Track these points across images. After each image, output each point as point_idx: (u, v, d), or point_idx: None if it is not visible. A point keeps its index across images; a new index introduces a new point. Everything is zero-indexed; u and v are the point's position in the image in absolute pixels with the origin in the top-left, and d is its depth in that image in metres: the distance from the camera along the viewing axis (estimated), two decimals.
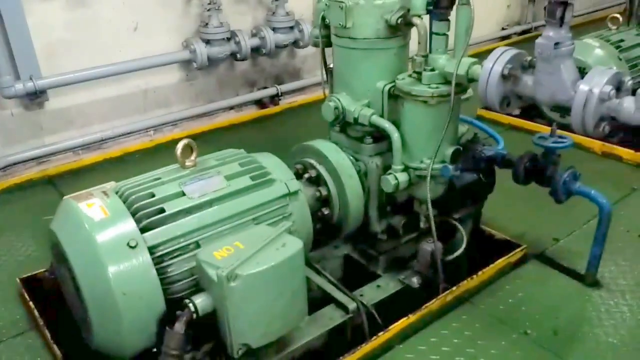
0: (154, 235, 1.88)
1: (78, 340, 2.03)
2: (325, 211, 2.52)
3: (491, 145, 2.62)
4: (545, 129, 3.68)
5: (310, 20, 4.70)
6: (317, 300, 2.37)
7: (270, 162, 2.32)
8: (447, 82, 2.20)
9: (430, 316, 2.36)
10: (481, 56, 2.19)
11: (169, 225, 1.92)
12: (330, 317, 2.38)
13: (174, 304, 1.89)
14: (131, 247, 1.81)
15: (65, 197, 1.99)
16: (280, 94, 5.07)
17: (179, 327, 1.79)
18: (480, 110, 4.40)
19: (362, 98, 2.47)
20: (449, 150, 2.32)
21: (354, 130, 2.58)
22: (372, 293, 2.55)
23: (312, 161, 2.57)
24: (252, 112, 4.94)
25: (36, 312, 2.36)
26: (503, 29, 6.96)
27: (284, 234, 1.95)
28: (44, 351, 2.23)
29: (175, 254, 1.91)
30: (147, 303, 1.82)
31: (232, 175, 2.14)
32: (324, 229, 2.60)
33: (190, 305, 1.82)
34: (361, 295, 2.53)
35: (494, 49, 2.18)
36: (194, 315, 1.82)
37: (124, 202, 1.95)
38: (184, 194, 2.01)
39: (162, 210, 1.94)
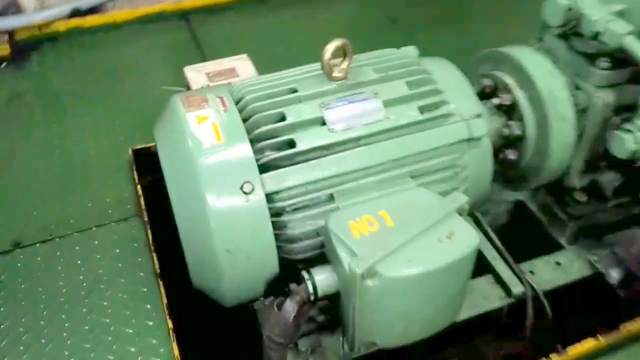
0: (277, 178, 1.43)
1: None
2: (511, 155, 1.88)
3: None
4: None
5: None
6: None
7: (447, 78, 1.68)
8: None
9: (630, 339, 1.78)
10: None
11: (298, 167, 1.45)
12: (485, 295, 1.90)
13: (289, 265, 1.51)
14: (245, 192, 1.38)
15: (174, 96, 1.57)
16: None
17: (290, 307, 1.41)
18: None
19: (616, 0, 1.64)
20: None
21: (583, 44, 1.79)
22: (548, 272, 2.00)
23: (509, 80, 1.87)
24: None
25: (142, 201, 2.14)
26: None
27: (454, 214, 1.39)
28: (145, 252, 2.02)
29: (299, 206, 1.47)
30: (256, 265, 1.45)
31: (393, 101, 1.56)
32: (501, 174, 1.99)
33: (309, 281, 1.42)
34: (531, 272, 1.98)
35: None
36: (311, 297, 1.42)
37: (244, 121, 1.48)
38: (324, 123, 1.49)
39: (293, 144, 1.46)
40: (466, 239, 1.36)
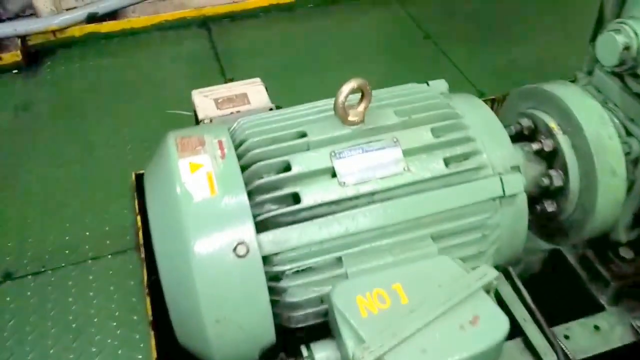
0: (277, 238, 1.25)
1: None
2: (549, 207, 1.67)
3: None
4: None
5: None
6: None
7: (479, 122, 1.48)
8: None
9: None
10: None
11: (302, 225, 1.27)
12: None
13: (287, 332, 1.33)
14: (239, 255, 1.21)
15: (169, 135, 1.40)
16: None
17: None
18: None
19: None
20: None
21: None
22: (585, 337, 1.77)
23: (552, 123, 1.65)
24: None
25: (141, 234, 1.98)
26: None
27: (480, 293, 1.20)
28: (140, 290, 1.87)
29: (301, 269, 1.29)
30: (249, 335, 1.28)
31: (416, 151, 1.37)
32: (536, 224, 1.78)
33: (308, 359, 1.24)
34: (566, 336, 1.75)
35: None
36: None
37: (244, 169, 1.30)
38: (334, 175, 1.31)
39: (297, 198, 1.28)
40: (493, 326, 1.16)
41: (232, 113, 1.83)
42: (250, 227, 1.24)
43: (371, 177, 1.33)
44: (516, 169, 1.45)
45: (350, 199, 1.31)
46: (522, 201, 1.45)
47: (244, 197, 1.26)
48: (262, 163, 1.32)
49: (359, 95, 1.37)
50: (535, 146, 1.64)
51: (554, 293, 1.95)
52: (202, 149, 1.34)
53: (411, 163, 1.35)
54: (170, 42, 3.20)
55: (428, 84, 1.62)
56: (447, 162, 1.38)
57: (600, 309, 1.86)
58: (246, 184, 1.29)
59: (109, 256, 1.97)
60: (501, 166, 1.43)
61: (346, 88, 1.31)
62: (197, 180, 1.27)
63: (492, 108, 1.69)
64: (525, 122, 1.70)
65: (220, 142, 1.36)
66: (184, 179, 1.27)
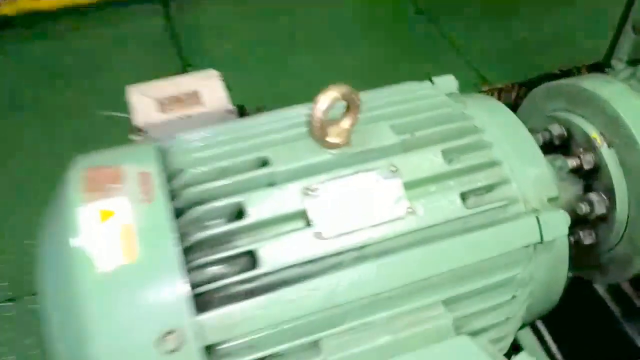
0: (226, 320, 0.86)
1: None
2: (586, 239, 1.30)
3: None
4: None
5: None
6: None
7: (502, 133, 1.09)
8: None
9: None
10: None
11: (262, 299, 0.87)
12: None
13: None
14: (168, 351, 0.82)
15: (74, 162, 0.99)
16: None
17: None
18: None
19: None
20: None
21: None
22: None
23: (592, 131, 1.26)
24: None
25: None
26: None
27: None
28: None
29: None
30: None
31: (421, 183, 0.98)
32: None
33: None
34: None
35: None
36: None
37: (179, 216, 0.90)
38: (308, 223, 0.91)
39: (255, 260, 0.89)
40: None
41: (180, 118, 1.42)
42: (185, 305, 0.84)
43: (360, 224, 0.93)
44: (555, 201, 1.07)
45: (330, 256, 0.92)
46: (563, 245, 1.07)
47: (176, 260, 0.86)
48: (205, 206, 0.92)
49: (342, 105, 0.96)
50: (571, 162, 1.26)
51: (578, 331, 1.60)
52: (117, 188, 0.93)
53: (416, 201, 0.96)
54: (118, 19, 2.72)
55: (432, 82, 1.22)
56: (464, 197, 0.99)
57: (636, 353, 1.52)
58: (182, 239, 0.89)
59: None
60: (536, 199, 1.05)
61: (324, 101, 0.91)
62: (106, 237, 0.87)
63: (498, 99, 1.31)
64: (556, 130, 1.32)
65: (145, 176, 0.95)
66: (87, 236, 0.87)
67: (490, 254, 0.98)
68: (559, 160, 1.29)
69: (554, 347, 1.40)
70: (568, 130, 1.31)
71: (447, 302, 0.98)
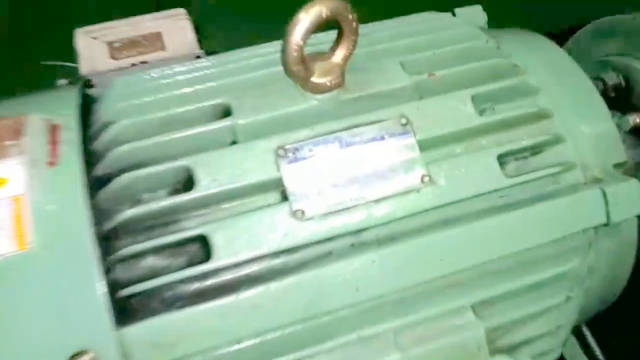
0: (161, 337, 0.59)
1: None
2: None
3: None
4: None
5: None
6: None
7: (551, 75, 0.81)
8: None
9: None
10: None
11: (214, 305, 0.60)
12: None
13: None
14: None
15: None
16: None
17: None
18: None
19: None
20: None
21: None
22: None
23: None
24: None
25: None
26: None
27: None
28: None
29: None
30: None
31: (445, 140, 0.70)
32: None
33: None
34: None
35: None
36: None
37: (101, 186, 0.63)
38: (285, 198, 0.64)
39: (206, 251, 0.62)
40: None
41: (133, 65, 1.14)
42: (102, 315, 0.58)
43: (357, 198, 0.66)
44: (623, 168, 0.79)
45: (315, 243, 0.65)
46: (631, 227, 0.80)
47: (90, 249, 0.59)
48: (139, 172, 0.65)
49: (333, 33, 0.68)
50: (632, 119, 0.98)
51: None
52: (14, 145, 0.66)
53: (435, 167, 0.68)
54: None
55: (454, 14, 0.93)
56: (502, 161, 0.71)
57: None
58: (102, 219, 0.62)
59: None
60: (599, 165, 0.77)
61: (305, 19, 0.62)
62: None
63: None
64: (612, 78, 1.03)
65: (54, 130, 0.67)
66: None
67: (538, 241, 0.71)
68: (615, 117, 1.00)
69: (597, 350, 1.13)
70: (626, 79, 1.03)
71: (478, 307, 0.71)
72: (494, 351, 0.70)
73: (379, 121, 0.69)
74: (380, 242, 0.67)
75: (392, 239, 0.67)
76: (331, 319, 0.65)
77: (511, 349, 0.73)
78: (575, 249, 0.74)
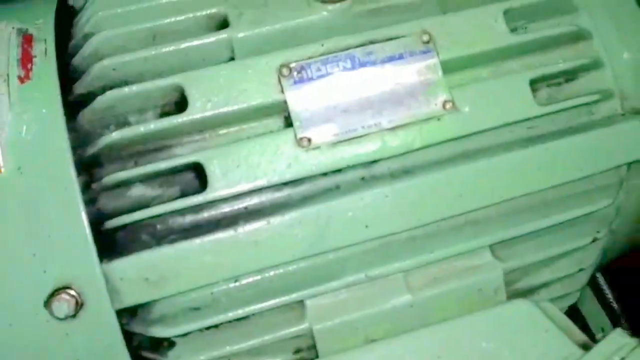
0: (151, 272, 0.55)
1: None
2: None
3: None
4: None
5: None
6: None
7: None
8: None
9: None
10: None
11: (210, 239, 0.55)
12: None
13: None
14: (60, 318, 0.51)
15: None
16: None
17: None
18: None
19: None
20: None
21: None
22: None
23: None
24: None
25: None
26: None
27: None
28: None
29: (212, 327, 0.59)
30: None
31: (471, 61, 0.62)
32: None
33: None
34: None
35: None
36: None
37: (82, 106, 0.56)
38: (288, 124, 0.57)
39: (202, 177, 0.55)
40: None
41: None
42: (85, 247, 0.52)
43: (369, 125, 0.59)
44: None
45: (322, 175, 0.59)
46: None
47: (69, 175, 0.53)
48: (124, 90, 0.58)
49: None
50: None
51: None
52: None
53: (459, 91, 0.61)
54: None
55: None
56: (534, 87, 0.63)
57: None
58: (83, 142, 0.56)
59: None
60: (638, 95, 0.69)
61: None
62: None
63: None
64: None
65: (27, 40, 0.59)
66: None
67: (567, 178, 0.64)
68: None
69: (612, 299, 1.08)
70: None
71: (497, 248, 0.65)
72: (510, 294, 0.65)
73: (398, 37, 0.60)
74: (394, 176, 0.60)
75: (407, 172, 0.60)
76: (337, 257, 0.60)
77: (528, 292, 0.68)
78: (605, 187, 0.68)
